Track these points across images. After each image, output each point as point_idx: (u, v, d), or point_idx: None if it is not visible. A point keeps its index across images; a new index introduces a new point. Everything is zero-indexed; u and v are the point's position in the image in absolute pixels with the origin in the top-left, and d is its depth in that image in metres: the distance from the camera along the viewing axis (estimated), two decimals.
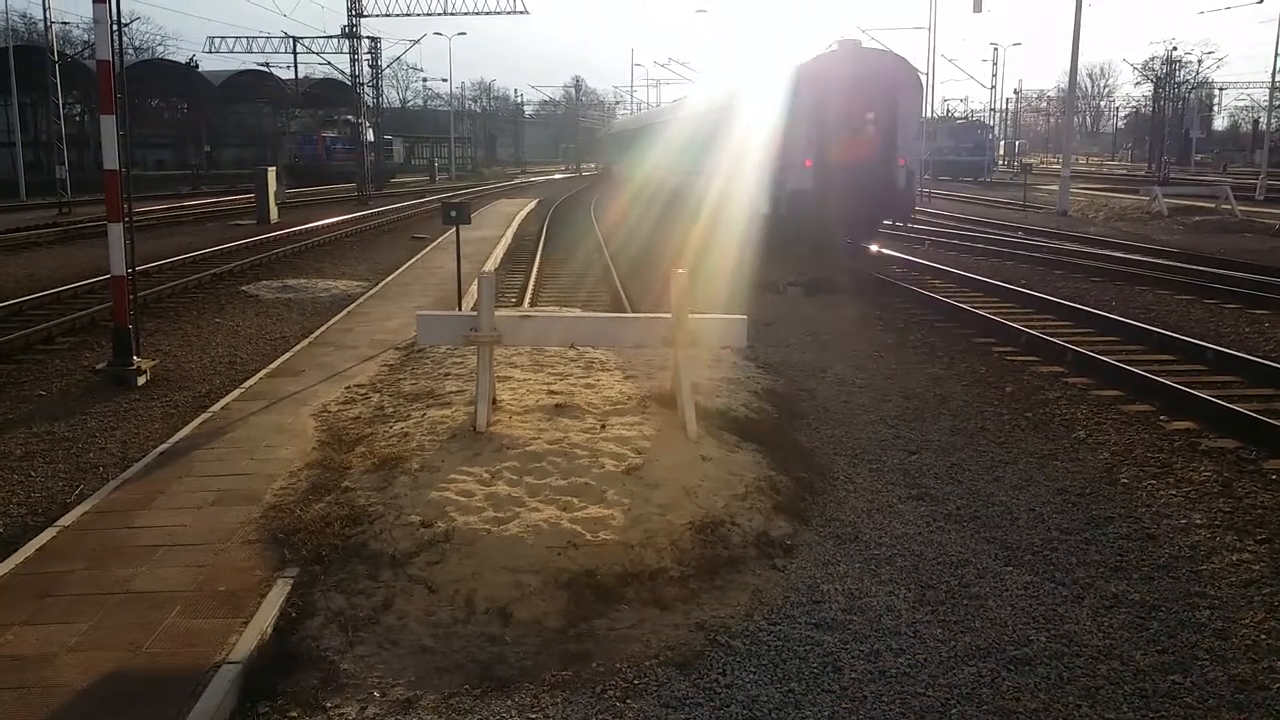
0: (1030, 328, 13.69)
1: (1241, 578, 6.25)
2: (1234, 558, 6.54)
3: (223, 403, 10.03)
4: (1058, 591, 6.13)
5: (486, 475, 7.10)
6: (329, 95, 77.86)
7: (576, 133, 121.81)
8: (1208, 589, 6.12)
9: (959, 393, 10.93)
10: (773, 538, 6.73)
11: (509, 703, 4.95)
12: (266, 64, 69.50)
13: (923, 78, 23.47)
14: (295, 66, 66.26)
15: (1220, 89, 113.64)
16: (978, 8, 48.10)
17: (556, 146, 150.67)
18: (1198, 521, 7.15)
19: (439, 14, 52.52)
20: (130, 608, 5.59)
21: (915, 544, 6.87)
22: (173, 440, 8.76)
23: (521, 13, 52.49)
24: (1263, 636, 5.52)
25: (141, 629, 5.34)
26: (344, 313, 15.69)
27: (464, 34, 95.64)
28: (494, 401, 8.57)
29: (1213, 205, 35.75)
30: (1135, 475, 8.17)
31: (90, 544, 6.45)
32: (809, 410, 10.20)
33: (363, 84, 54.91)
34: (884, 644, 5.51)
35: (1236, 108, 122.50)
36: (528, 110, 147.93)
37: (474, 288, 15.01)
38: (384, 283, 19.29)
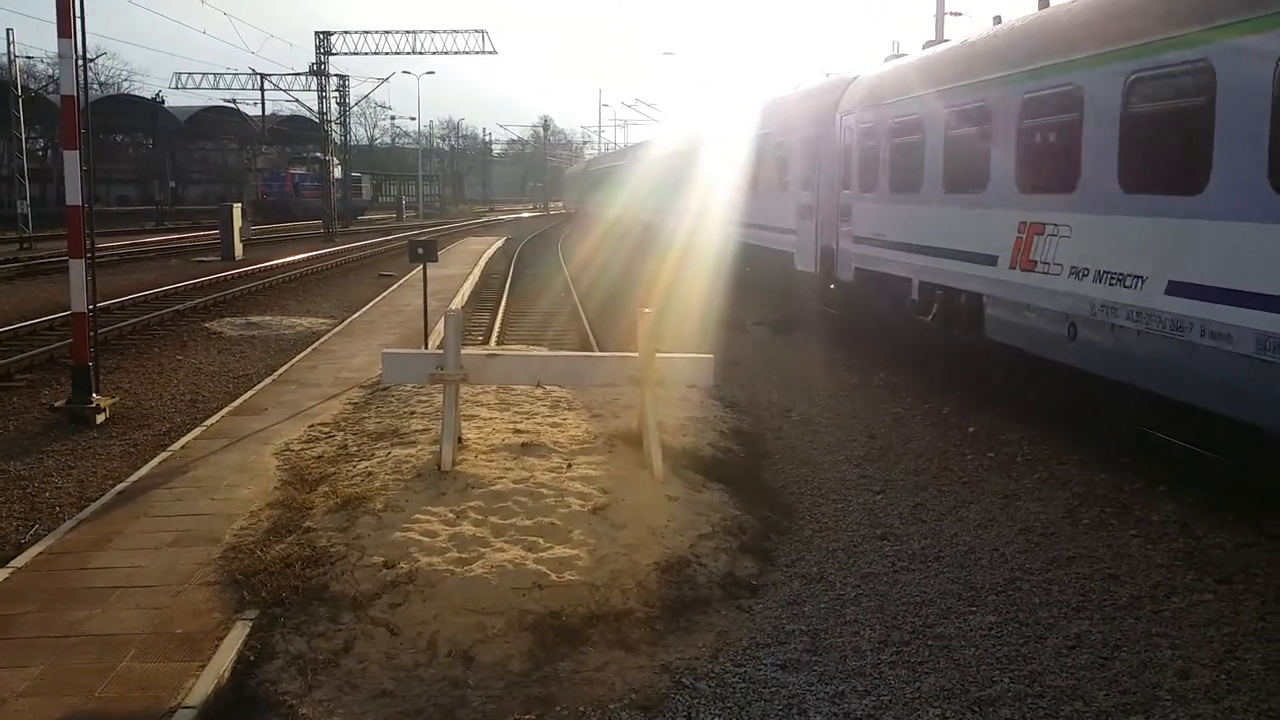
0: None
1: (1202, 617, 6.31)
2: (1194, 597, 6.61)
3: (183, 441, 9.89)
4: (1021, 631, 6.15)
5: (451, 515, 7.05)
6: (296, 132, 77.87)
7: (544, 171, 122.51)
8: (1169, 629, 6.16)
9: (922, 432, 11.00)
10: (738, 578, 6.72)
11: None
12: (233, 100, 69.43)
13: None
14: (263, 103, 66.09)
15: None
16: None
17: (524, 185, 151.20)
18: (1158, 561, 7.22)
19: (407, 53, 52.84)
20: (84, 651, 5.47)
21: (880, 584, 6.88)
22: (131, 479, 8.62)
23: (490, 53, 52.96)
24: (1223, 676, 5.56)
25: (95, 673, 5.23)
26: (309, 350, 15.58)
27: (432, 73, 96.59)
28: (460, 440, 8.53)
29: None
30: (1097, 515, 8.24)
31: (44, 586, 6.32)
32: (775, 449, 10.23)
33: (330, 121, 55.01)
34: (849, 685, 5.50)
35: None
36: (496, 149, 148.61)
37: (440, 326, 14.98)
38: (350, 320, 19.20)
